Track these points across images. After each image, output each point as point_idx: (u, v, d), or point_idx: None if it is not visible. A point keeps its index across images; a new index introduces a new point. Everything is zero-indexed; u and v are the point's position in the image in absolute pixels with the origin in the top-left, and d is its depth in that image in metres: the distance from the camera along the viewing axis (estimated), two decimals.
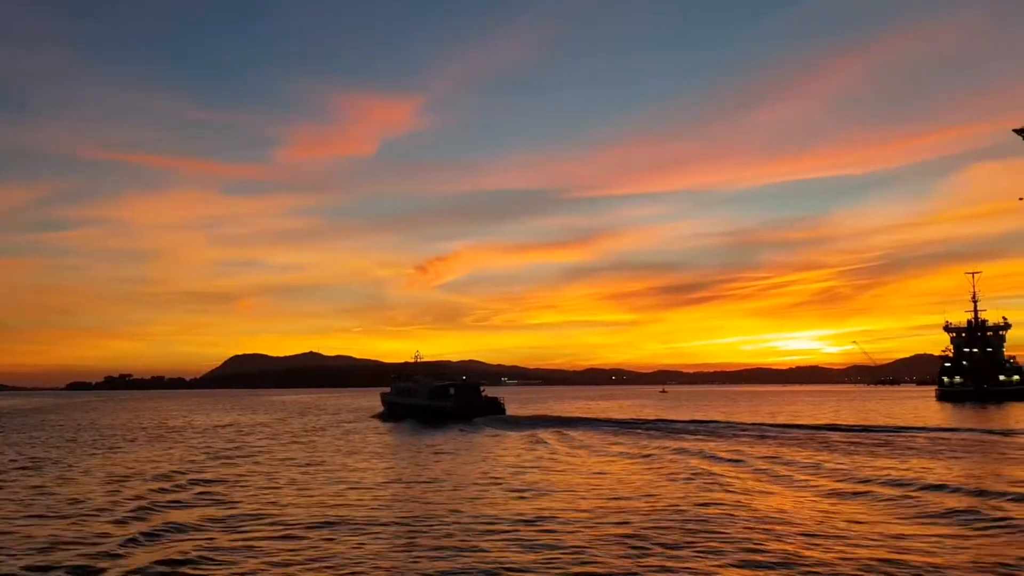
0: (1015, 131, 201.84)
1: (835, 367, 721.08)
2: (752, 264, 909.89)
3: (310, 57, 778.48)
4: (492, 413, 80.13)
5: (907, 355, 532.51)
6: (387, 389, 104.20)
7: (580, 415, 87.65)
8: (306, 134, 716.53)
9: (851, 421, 72.02)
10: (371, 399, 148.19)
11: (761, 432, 57.93)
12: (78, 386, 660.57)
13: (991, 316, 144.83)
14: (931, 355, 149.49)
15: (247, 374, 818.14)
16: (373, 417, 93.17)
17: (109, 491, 29.68)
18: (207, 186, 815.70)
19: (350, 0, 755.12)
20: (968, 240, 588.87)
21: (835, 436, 53.59)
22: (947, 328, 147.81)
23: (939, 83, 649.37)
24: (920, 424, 65.78)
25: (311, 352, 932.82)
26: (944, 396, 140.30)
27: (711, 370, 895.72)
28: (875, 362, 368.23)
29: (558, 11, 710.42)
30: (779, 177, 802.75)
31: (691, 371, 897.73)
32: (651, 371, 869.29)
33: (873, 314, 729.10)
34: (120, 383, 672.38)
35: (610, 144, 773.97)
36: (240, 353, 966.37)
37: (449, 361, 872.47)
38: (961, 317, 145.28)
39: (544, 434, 58.99)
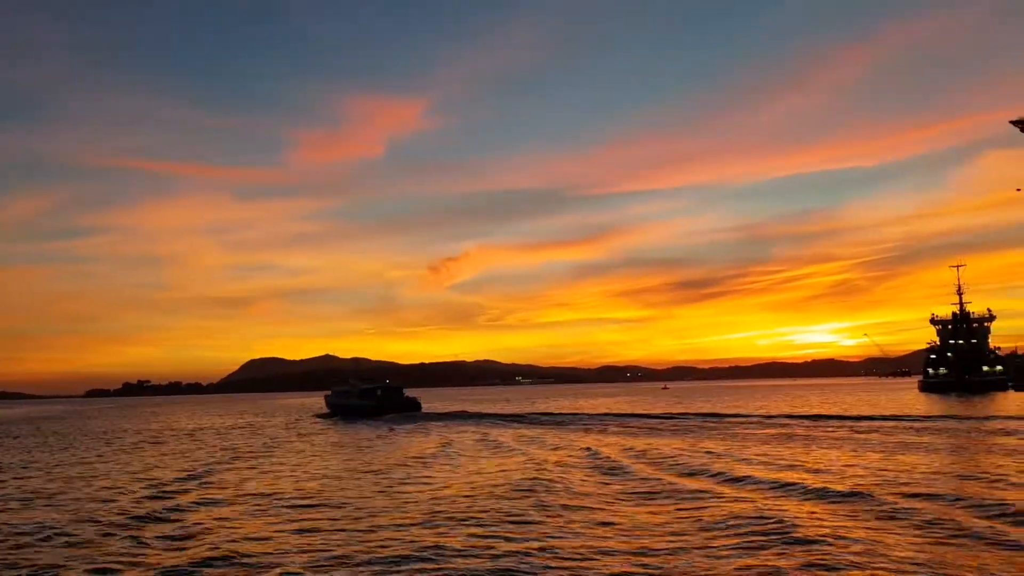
0: (1012, 123, 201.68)
1: (852, 359, 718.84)
2: (764, 258, 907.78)
3: (316, 60, 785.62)
4: (410, 410, 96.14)
5: (924, 347, 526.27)
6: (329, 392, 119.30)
7: (480, 411, 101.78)
8: (315, 137, 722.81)
9: (776, 412, 79.80)
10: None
11: (611, 422, 70.30)
12: (96, 393, 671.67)
13: (978, 308, 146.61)
14: None
15: (264, 378, 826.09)
16: (317, 416, 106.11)
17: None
18: (218, 191, 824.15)
19: (356, 3, 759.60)
20: (981, 229, 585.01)
21: (689, 424, 64.30)
22: (933, 321, 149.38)
23: (948, 72, 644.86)
24: (845, 414, 70.96)
25: (327, 355, 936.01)
26: (927, 387, 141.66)
27: (726, 365, 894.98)
28: (887, 354, 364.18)
29: (563, 9, 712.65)
30: (788, 170, 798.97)
31: (706, 367, 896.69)
32: (666, 367, 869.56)
33: (889, 306, 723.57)
34: (138, 389, 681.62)
35: (618, 141, 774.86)
36: (257, 357, 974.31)
37: (464, 361, 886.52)
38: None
39: (403, 426, 72.71)
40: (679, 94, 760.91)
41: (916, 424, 54.83)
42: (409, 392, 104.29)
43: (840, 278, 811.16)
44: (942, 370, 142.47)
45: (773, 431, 52.94)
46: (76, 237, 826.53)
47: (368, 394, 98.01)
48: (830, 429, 53.13)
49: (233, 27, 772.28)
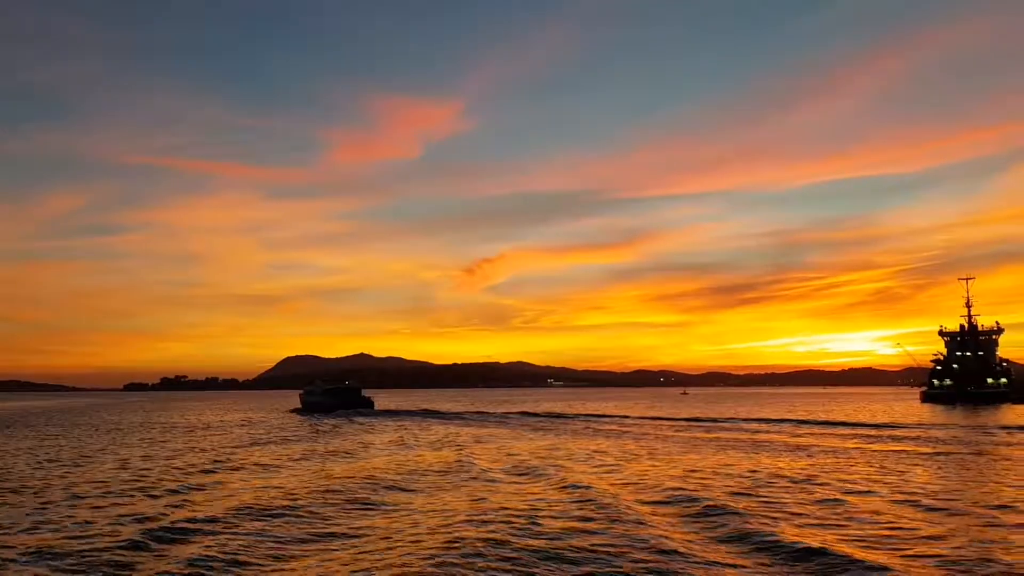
0: None
1: (891, 369, 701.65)
2: (801, 264, 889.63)
3: (351, 61, 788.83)
4: (364, 407, 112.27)
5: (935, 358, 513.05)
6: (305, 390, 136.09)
7: (430, 407, 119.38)
8: (349, 138, 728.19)
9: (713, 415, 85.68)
10: (398, 398, 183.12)
11: (522, 420, 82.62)
12: (135, 387, 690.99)
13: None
14: None
15: (299, 375, 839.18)
16: (292, 411, 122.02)
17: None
18: (252, 190, 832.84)
19: (391, 3, 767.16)
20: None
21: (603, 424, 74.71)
22: (941, 333, 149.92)
23: (990, 77, 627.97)
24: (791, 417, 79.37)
25: (362, 354, 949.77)
26: (928, 398, 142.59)
27: (761, 372, 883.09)
28: (919, 364, 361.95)
29: (597, 11, 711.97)
30: (824, 176, 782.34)
31: (741, 373, 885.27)
32: (700, 373, 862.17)
33: (929, 315, 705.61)
34: (175, 384, 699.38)
35: (652, 144, 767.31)
36: (292, 355, 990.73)
37: (497, 362, 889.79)
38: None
39: (330, 420, 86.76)
40: (713, 97, 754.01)
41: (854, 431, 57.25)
42: (438, 392, 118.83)
43: (879, 286, 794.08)
44: (947, 381, 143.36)
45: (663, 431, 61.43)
46: (111, 234, 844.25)
47: (330, 393, 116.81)
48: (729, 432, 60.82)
49: (268, 27, 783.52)
